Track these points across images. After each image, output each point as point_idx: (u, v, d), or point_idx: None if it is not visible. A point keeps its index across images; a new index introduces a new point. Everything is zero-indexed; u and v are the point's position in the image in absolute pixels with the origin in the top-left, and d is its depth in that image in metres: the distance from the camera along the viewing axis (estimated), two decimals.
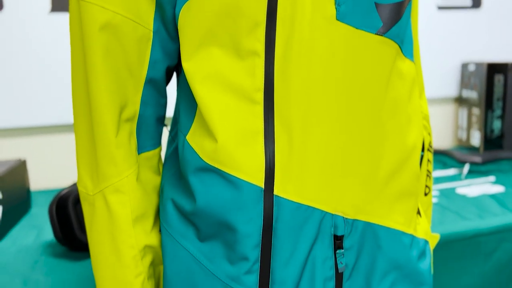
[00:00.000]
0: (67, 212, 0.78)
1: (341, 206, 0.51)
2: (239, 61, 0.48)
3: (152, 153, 0.57)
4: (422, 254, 0.59)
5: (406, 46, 0.55)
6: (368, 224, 0.53)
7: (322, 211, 0.50)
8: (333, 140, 0.49)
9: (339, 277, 0.53)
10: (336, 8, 0.46)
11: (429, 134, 0.70)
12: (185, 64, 0.49)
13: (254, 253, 0.49)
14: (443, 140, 1.65)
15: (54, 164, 1.27)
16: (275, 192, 0.48)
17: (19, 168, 1.06)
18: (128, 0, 0.47)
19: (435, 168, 1.36)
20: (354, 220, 0.52)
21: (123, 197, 0.52)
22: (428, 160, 0.70)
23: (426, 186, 0.71)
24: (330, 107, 0.49)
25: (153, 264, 0.57)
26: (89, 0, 0.46)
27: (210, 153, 0.49)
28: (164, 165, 0.60)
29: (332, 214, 0.51)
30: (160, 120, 0.57)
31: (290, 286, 0.51)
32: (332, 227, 0.51)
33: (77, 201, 0.80)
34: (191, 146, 0.51)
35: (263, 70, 0.47)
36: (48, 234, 0.93)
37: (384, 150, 0.52)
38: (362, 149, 0.51)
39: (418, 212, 0.63)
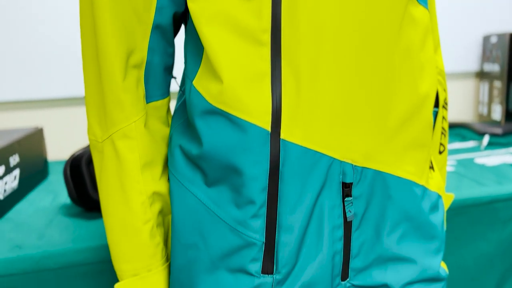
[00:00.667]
0: (81, 172, 0.79)
1: (350, 153, 0.50)
2: (245, 1, 0.47)
3: (160, 103, 0.57)
4: (435, 207, 0.58)
5: None
6: (378, 173, 0.52)
7: (330, 157, 0.49)
8: (343, 84, 0.48)
9: (347, 226, 0.52)
10: None
11: (444, 90, 0.68)
12: (191, 5, 0.49)
13: (260, 197, 0.49)
14: (463, 116, 1.61)
15: (72, 136, 1.29)
16: (282, 135, 0.48)
17: (36, 135, 1.08)
18: None
19: (453, 140, 1.33)
20: (363, 168, 0.51)
21: (131, 142, 0.52)
22: (443, 118, 0.68)
23: (441, 144, 0.69)
24: (341, 50, 0.47)
25: (162, 213, 0.57)
26: None
27: (216, 95, 0.48)
28: (173, 117, 0.60)
29: (341, 161, 0.50)
30: (168, 70, 0.57)
31: (297, 232, 0.50)
32: (341, 174, 0.50)
33: (90, 161, 0.81)
34: (197, 90, 0.50)
35: (270, 10, 0.46)
36: (64, 198, 0.95)
37: (395, 97, 0.51)
38: (373, 95, 0.49)
39: (432, 167, 0.61)
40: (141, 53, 0.52)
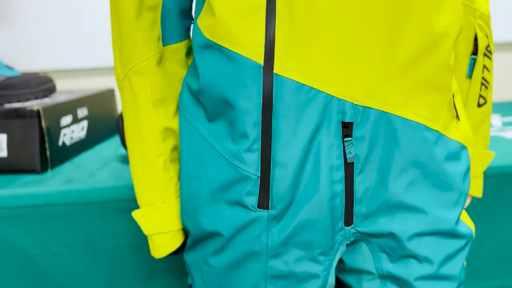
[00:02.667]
0: None
1: (350, 90, 0.48)
2: None
3: (178, 45, 0.60)
4: (453, 157, 0.54)
5: None
6: (382, 114, 0.49)
7: (328, 94, 0.48)
8: (343, 15, 0.46)
9: (349, 168, 0.51)
10: None
11: (487, 36, 0.62)
12: None
13: (254, 131, 0.50)
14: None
15: None
16: (275, 70, 0.48)
17: (107, 94, 1.19)
18: None
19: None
20: (365, 107, 0.49)
21: (143, 79, 0.56)
22: (485, 67, 0.63)
23: (481, 96, 0.64)
24: None
25: (176, 150, 0.61)
26: None
27: (210, 28, 0.50)
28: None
29: (340, 99, 0.49)
30: (185, 13, 0.60)
31: (292, 168, 0.50)
32: (340, 113, 0.49)
33: None
34: (198, 26, 0.53)
35: None
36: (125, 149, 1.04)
37: (405, 31, 0.47)
38: (378, 27, 0.47)
39: (457, 116, 0.57)
40: None
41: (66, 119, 0.96)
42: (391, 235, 0.54)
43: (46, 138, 0.87)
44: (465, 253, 0.57)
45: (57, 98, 1.00)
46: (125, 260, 0.80)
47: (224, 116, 0.52)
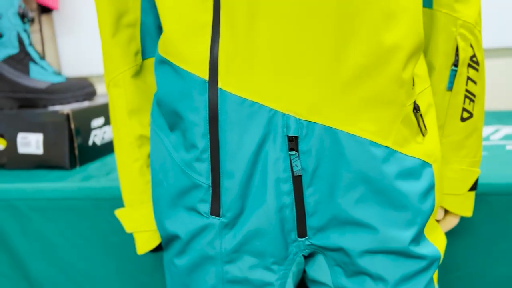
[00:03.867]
0: None
1: (293, 105, 0.49)
2: None
3: None
4: (409, 174, 0.52)
5: None
6: (327, 129, 0.49)
7: (272, 109, 0.49)
8: (284, 30, 0.47)
9: (297, 181, 0.52)
10: None
11: (472, 46, 0.58)
12: None
13: (202, 142, 0.52)
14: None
15: None
16: (219, 85, 0.50)
17: None
18: None
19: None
20: (310, 122, 0.49)
21: (119, 90, 0.62)
22: (470, 79, 0.59)
23: (465, 109, 0.60)
24: None
25: None
26: None
27: (162, 44, 0.54)
28: None
29: (284, 113, 0.49)
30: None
31: (239, 179, 0.52)
32: (284, 127, 0.50)
33: None
34: (157, 43, 0.56)
35: None
36: None
37: (350, 47, 0.47)
38: (321, 43, 0.47)
39: (422, 131, 0.54)
40: (135, 14, 0.61)
41: (98, 121, 1.06)
42: (342, 250, 0.54)
43: (75, 138, 0.97)
44: (428, 275, 0.55)
45: (96, 101, 1.11)
46: (132, 252, 0.87)
47: (178, 127, 0.55)
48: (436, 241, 0.56)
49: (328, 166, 0.51)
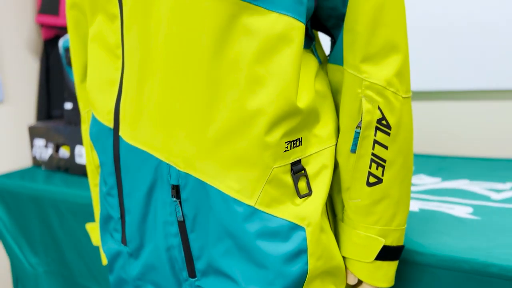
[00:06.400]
0: None
1: (173, 157, 0.53)
2: (110, 23, 0.58)
3: None
4: (273, 235, 0.53)
5: None
6: (199, 182, 0.53)
7: (157, 158, 0.55)
8: (164, 92, 0.52)
9: (182, 225, 0.56)
10: None
11: (379, 108, 0.55)
12: (89, 30, 0.65)
13: (110, 179, 0.62)
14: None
15: None
16: (120, 133, 0.59)
17: None
18: None
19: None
20: (187, 173, 0.53)
21: (85, 126, 0.75)
22: (378, 143, 0.56)
23: (372, 174, 0.57)
24: (162, 62, 0.51)
25: None
26: None
27: (87, 94, 0.64)
28: None
29: (167, 163, 0.54)
30: None
31: (136, 216, 0.60)
32: (168, 176, 0.54)
33: None
34: None
35: (119, 29, 0.57)
36: None
37: (217, 110, 0.50)
38: (193, 104, 0.51)
39: (299, 193, 0.54)
40: None
41: None
42: None
43: None
44: None
45: None
46: None
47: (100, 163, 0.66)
48: None
49: (202, 215, 0.55)
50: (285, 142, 0.53)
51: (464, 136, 1.30)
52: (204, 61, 0.49)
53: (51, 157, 1.29)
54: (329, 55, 0.63)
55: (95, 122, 0.64)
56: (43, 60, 1.81)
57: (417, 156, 1.29)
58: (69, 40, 0.71)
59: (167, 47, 0.51)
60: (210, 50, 0.49)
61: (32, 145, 1.36)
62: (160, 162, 0.55)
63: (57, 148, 1.28)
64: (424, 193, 0.95)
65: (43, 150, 1.31)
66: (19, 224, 1.21)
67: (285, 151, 0.53)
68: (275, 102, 0.50)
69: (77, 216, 1.08)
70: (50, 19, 1.74)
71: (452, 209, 0.83)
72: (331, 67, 0.61)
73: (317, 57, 0.62)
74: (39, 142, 1.32)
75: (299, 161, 0.55)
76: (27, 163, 1.65)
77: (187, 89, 0.51)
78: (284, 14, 0.50)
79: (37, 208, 1.15)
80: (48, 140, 1.30)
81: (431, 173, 1.10)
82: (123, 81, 0.57)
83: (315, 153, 0.57)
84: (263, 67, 0.50)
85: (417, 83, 1.31)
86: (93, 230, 0.80)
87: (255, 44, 0.49)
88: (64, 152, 1.26)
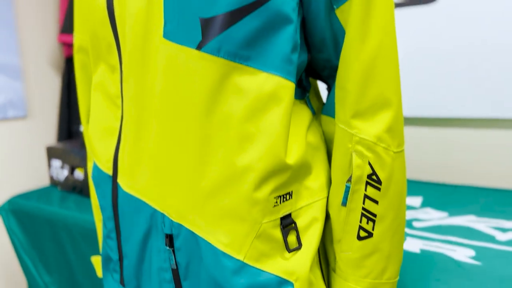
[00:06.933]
0: None
1: (166, 207, 0.55)
2: (111, 73, 0.61)
3: None
4: None
5: (265, 58, 0.51)
6: (191, 233, 0.54)
7: (152, 206, 0.57)
8: (159, 147, 0.54)
9: (175, 272, 0.57)
10: (163, 27, 0.51)
11: (370, 164, 0.56)
12: (93, 77, 0.68)
13: (109, 223, 0.65)
14: None
15: None
16: (118, 181, 0.61)
17: None
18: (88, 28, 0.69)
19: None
20: (179, 224, 0.54)
21: (90, 164, 0.78)
22: (368, 197, 0.57)
23: (362, 228, 0.58)
24: (157, 116, 0.53)
25: None
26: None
27: (87, 139, 0.67)
28: None
29: (161, 212, 0.56)
30: None
31: (133, 260, 0.62)
32: (162, 224, 0.56)
33: None
34: None
35: (119, 80, 0.59)
36: None
37: (208, 164, 0.52)
38: (184, 158, 0.52)
39: (288, 248, 0.55)
40: None
41: None
42: None
43: None
44: None
45: None
46: None
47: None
48: None
49: (196, 265, 0.55)
50: (275, 197, 0.54)
51: (477, 165, 1.28)
52: (196, 117, 0.51)
53: (66, 178, 1.34)
54: (324, 104, 0.64)
55: (95, 167, 0.66)
56: (65, 77, 1.87)
57: (429, 184, 1.28)
58: (76, 81, 0.75)
59: (162, 101, 0.52)
60: (202, 107, 0.50)
61: (49, 165, 1.41)
62: (155, 211, 0.57)
63: (72, 170, 1.32)
64: (428, 230, 0.94)
65: (59, 171, 1.36)
66: (35, 244, 1.26)
67: (275, 206, 0.54)
68: (264, 159, 0.51)
69: (88, 240, 1.12)
70: (71, 38, 1.80)
71: (454, 251, 0.83)
72: (324, 118, 0.62)
73: (311, 108, 0.63)
74: (56, 163, 1.37)
75: (289, 215, 0.56)
76: (45, 181, 1.71)
77: (180, 144, 0.52)
78: (273, 74, 0.51)
79: (51, 229, 1.19)
80: (64, 161, 1.34)
81: (439, 206, 1.09)
82: (122, 131, 0.59)
83: (306, 205, 0.58)
84: (253, 125, 0.51)
85: (433, 110, 1.30)
86: (98, 263, 0.83)
87: (245, 103, 0.51)
88: (78, 174, 1.30)
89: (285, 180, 0.54)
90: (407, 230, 0.93)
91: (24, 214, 1.26)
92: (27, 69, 1.76)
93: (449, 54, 1.26)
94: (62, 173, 1.35)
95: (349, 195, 0.57)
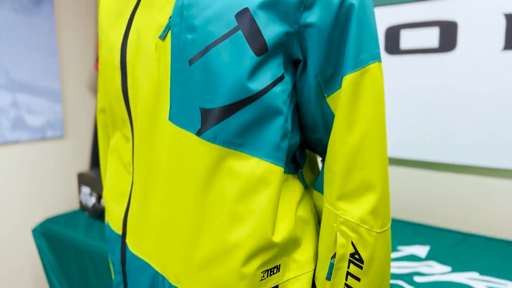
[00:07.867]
0: None
1: (166, 270, 0.61)
2: (126, 143, 0.69)
3: None
4: None
5: (256, 146, 0.56)
6: None
7: (153, 268, 0.64)
8: (161, 216, 0.60)
9: None
10: (169, 110, 0.58)
11: (353, 244, 0.60)
12: (110, 140, 0.75)
13: (118, 276, 0.72)
14: None
15: None
16: (126, 240, 0.69)
17: None
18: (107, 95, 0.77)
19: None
20: (177, 287, 0.60)
21: None
22: (351, 275, 0.61)
23: None
24: (161, 187, 0.60)
25: None
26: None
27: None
28: None
29: (162, 274, 0.62)
30: None
31: None
32: (162, 285, 0.62)
33: None
34: None
35: (131, 150, 0.67)
36: None
37: (201, 238, 0.56)
38: (182, 229, 0.58)
39: None
40: None
41: None
42: None
43: None
44: None
45: None
46: None
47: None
48: None
49: None
50: (262, 272, 0.58)
51: (491, 215, 1.28)
52: (193, 194, 0.56)
53: (94, 205, 1.43)
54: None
55: (108, 226, 0.74)
56: None
57: (441, 230, 1.29)
58: (98, 139, 0.83)
59: (166, 175, 0.58)
60: (199, 186, 0.56)
61: (79, 191, 1.51)
62: (156, 272, 0.63)
63: (99, 198, 1.42)
64: (427, 287, 0.96)
65: (88, 197, 1.46)
66: (62, 266, 1.36)
67: (261, 279, 0.59)
68: (252, 237, 0.55)
69: (109, 270, 1.20)
70: None
71: None
72: (316, 193, 0.66)
73: (303, 182, 0.67)
74: (85, 189, 1.47)
75: (276, 287, 0.61)
76: (76, 204, 1.82)
77: (178, 215, 0.58)
78: (263, 159, 0.56)
79: (77, 254, 1.29)
80: (92, 189, 1.44)
81: (444, 259, 1.10)
82: (131, 196, 0.66)
83: (293, 277, 0.62)
84: (244, 205, 0.55)
85: (447, 156, 1.31)
86: None
87: (237, 185, 0.55)
88: None
89: (272, 255, 0.58)
90: (405, 286, 0.96)
91: (54, 238, 1.36)
92: (66, 92, 1.89)
93: (478, 103, 1.27)
94: (90, 200, 1.45)
95: (333, 271, 0.61)
